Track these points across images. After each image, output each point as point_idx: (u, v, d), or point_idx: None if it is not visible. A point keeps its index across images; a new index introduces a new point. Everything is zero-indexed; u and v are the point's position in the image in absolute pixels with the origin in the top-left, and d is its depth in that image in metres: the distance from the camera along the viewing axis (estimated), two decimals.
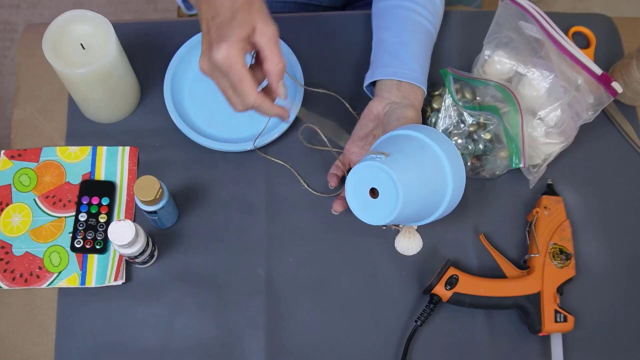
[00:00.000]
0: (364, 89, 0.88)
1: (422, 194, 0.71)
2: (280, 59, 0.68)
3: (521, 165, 0.85)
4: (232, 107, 0.71)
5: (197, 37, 0.91)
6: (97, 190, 0.86)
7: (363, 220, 0.73)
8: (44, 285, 0.82)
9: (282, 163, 0.89)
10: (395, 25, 0.86)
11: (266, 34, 0.67)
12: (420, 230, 0.87)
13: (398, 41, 0.85)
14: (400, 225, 0.80)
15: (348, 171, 0.81)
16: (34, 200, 0.86)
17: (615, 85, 0.86)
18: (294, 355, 0.82)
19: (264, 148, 0.89)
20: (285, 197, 0.88)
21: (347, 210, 0.88)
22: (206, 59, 0.67)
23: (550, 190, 0.88)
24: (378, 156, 0.70)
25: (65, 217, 0.86)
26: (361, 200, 0.72)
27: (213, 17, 0.67)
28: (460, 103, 0.86)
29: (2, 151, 0.88)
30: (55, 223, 0.85)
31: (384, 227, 0.82)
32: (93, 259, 0.84)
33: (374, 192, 0.71)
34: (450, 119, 0.86)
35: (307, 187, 0.88)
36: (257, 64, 0.71)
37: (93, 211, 0.85)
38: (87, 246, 0.83)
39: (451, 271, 0.82)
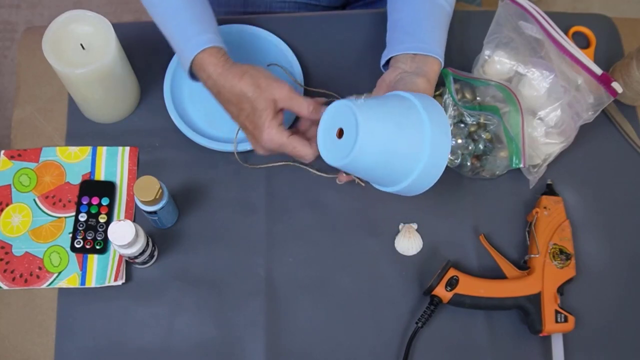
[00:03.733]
0: (381, 68, 0.87)
1: (390, 150, 0.67)
2: (306, 103, 0.75)
3: (521, 165, 0.85)
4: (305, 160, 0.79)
5: None
6: (97, 190, 0.86)
7: (324, 158, 0.71)
8: (44, 286, 0.82)
9: (283, 163, 0.88)
10: (409, 6, 0.85)
11: (284, 98, 0.75)
12: (420, 230, 0.87)
13: (412, 20, 0.84)
14: (359, 180, 0.77)
15: None
16: (34, 200, 0.86)
17: (615, 85, 0.86)
18: (294, 355, 0.82)
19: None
20: (285, 197, 0.88)
21: (348, 210, 0.88)
22: (260, 148, 0.78)
23: (549, 191, 0.88)
24: (357, 99, 0.69)
25: (65, 217, 0.85)
26: (328, 140, 0.71)
27: (239, 112, 0.77)
28: (460, 103, 0.86)
29: (2, 151, 0.88)
30: (55, 223, 0.85)
31: (345, 176, 0.79)
32: (93, 259, 0.84)
33: (341, 134, 0.69)
34: (450, 119, 0.86)
35: (318, 172, 0.87)
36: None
37: (93, 211, 0.85)
38: (87, 246, 0.83)
39: (451, 272, 0.82)
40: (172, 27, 0.80)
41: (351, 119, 0.67)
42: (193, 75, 0.80)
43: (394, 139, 0.67)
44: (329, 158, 0.71)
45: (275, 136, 0.75)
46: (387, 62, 0.85)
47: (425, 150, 0.68)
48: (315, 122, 0.75)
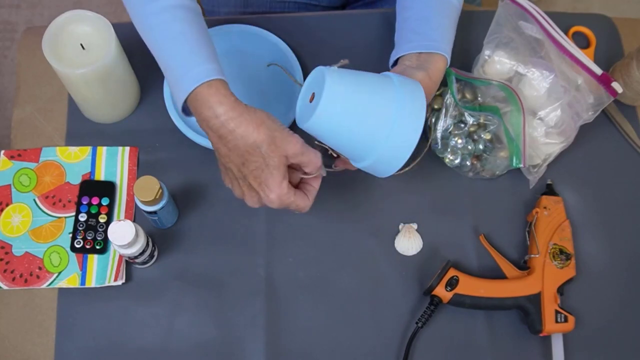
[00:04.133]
0: (389, 68, 0.87)
1: (353, 118, 0.68)
2: (315, 159, 0.71)
3: (521, 166, 0.85)
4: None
5: None
6: (97, 190, 0.86)
7: (297, 122, 0.72)
8: (44, 286, 0.82)
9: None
10: (418, 3, 0.85)
11: (297, 155, 0.69)
12: (420, 230, 0.87)
13: (420, 17, 0.83)
14: (332, 151, 0.77)
15: None
16: (34, 200, 0.86)
17: (615, 85, 0.86)
18: (294, 355, 0.82)
19: None
20: None
21: (348, 210, 0.88)
22: (256, 201, 0.72)
23: (549, 191, 0.88)
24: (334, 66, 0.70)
25: (65, 217, 0.85)
26: (303, 104, 0.73)
27: (244, 163, 0.69)
28: (461, 103, 0.86)
29: (2, 151, 0.88)
30: (55, 223, 0.85)
31: (317, 143, 0.78)
32: (93, 259, 0.84)
33: (313, 98, 0.71)
34: (450, 119, 0.86)
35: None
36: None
37: (93, 211, 0.85)
38: (87, 246, 0.83)
39: (451, 272, 0.82)
40: (170, 54, 0.71)
41: (322, 82, 0.68)
42: (185, 109, 0.73)
43: (358, 107, 0.68)
44: (299, 120, 0.72)
45: (284, 197, 0.70)
46: (395, 61, 0.85)
47: (392, 126, 0.68)
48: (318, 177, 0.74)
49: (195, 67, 0.69)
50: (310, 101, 0.71)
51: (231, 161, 0.70)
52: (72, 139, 0.90)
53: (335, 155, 0.79)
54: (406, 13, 0.86)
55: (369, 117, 0.69)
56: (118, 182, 0.87)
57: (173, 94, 0.72)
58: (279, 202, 0.70)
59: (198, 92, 0.68)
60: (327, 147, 0.77)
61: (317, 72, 0.72)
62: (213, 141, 0.71)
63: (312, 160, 0.70)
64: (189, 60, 0.69)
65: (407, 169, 0.87)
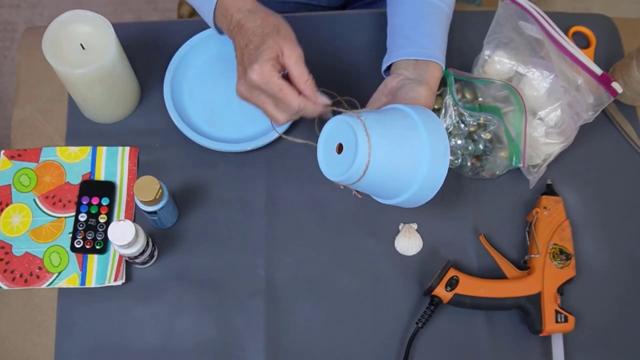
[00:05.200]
0: (382, 74, 0.87)
1: (388, 168, 0.69)
2: (307, 76, 0.73)
3: (521, 165, 0.84)
4: (275, 121, 0.76)
5: (197, 37, 0.91)
6: (97, 190, 0.86)
7: (323, 171, 0.72)
8: (44, 286, 0.82)
9: (308, 143, 0.85)
10: (408, 10, 0.85)
11: (293, 56, 0.72)
12: (420, 230, 0.87)
13: (412, 24, 0.84)
14: (357, 192, 0.77)
15: None
16: (34, 200, 0.86)
17: (615, 85, 0.86)
18: (294, 355, 0.82)
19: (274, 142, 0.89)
20: (285, 197, 0.88)
21: (348, 210, 0.88)
22: (242, 82, 0.74)
23: (549, 191, 0.88)
24: (358, 115, 0.70)
25: (65, 217, 0.85)
26: (328, 154, 0.72)
27: (246, 44, 0.74)
28: (461, 103, 0.86)
29: (2, 151, 0.88)
30: (55, 223, 0.85)
31: (342, 187, 0.76)
32: (93, 259, 0.84)
33: (341, 149, 0.70)
34: (450, 119, 0.86)
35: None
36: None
37: (93, 211, 0.85)
38: (87, 246, 0.83)
39: (451, 272, 0.82)
40: None
41: (351, 135, 0.68)
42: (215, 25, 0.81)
43: (392, 157, 0.68)
44: (329, 172, 0.72)
45: (266, 70, 0.71)
46: (389, 67, 0.85)
47: (424, 167, 0.69)
48: (305, 97, 0.74)
49: None
50: (338, 151, 0.70)
51: (237, 45, 0.76)
52: (72, 139, 0.90)
53: (359, 195, 0.78)
54: (397, 19, 0.87)
55: (402, 163, 0.69)
56: (118, 182, 0.87)
57: (202, 8, 0.80)
58: (259, 75, 0.71)
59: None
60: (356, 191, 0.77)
61: (340, 122, 0.70)
62: (234, 37, 0.77)
63: (303, 74, 0.73)
64: None
65: None
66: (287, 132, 0.89)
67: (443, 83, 0.87)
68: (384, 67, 0.85)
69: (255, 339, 0.82)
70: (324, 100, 0.74)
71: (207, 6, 0.80)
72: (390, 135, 0.69)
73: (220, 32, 0.84)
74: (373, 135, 0.67)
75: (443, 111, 0.86)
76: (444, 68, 0.83)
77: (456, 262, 0.86)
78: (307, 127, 0.91)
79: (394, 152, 0.68)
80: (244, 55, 0.75)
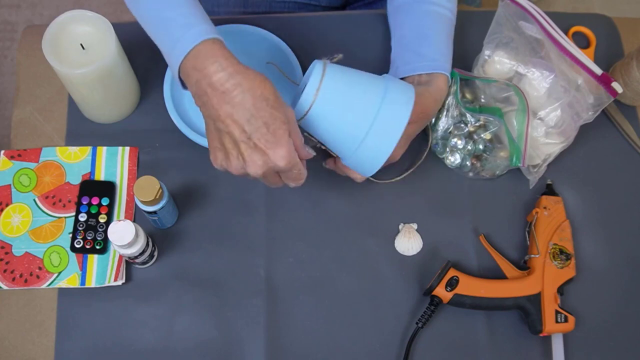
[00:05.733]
0: None
1: (346, 111, 0.71)
2: (302, 138, 0.70)
3: (520, 165, 0.85)
4: (273, 186, 0.73)
5: None
6: (97, 190, 0.86)
7: (289, 103, 0.74)
8: (44, 286, 0.82)
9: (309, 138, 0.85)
10: (412, 20, 0.85)
11: (292, 121, 0.69)
12: (420, 230, 0.87)
13: (417, 36, 0.84)
14: (321, 144, 0.78)
15: None
16: (34, 200, 0.86)
17: (615, 85, 0.86)
18: (294, 355, 0.82)
19: None
20: (285, 197, 0.88)
21: (348, 210, 0.88)
22: (261, 165, 0.67)
23: (549, 191, 0.88)
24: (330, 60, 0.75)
25: (65, 217, 0.86)
26: (299, 93, 0.76)
27: (249, 119, 0.65)
28: (462, 103, 0.86)
29: (2, 151, 0.88)
30: (55, 223, 0.85)
31: (319, 146, 0.78)
32: (93, 259, 0.84)
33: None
34: (451, 119, 0.86)
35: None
36: None
37: (93, 211, 0.85)
38: (87, 246, 0.83)
39: (451, 272, 0.82)
40: (167, 15, 0.69)
41: (318, 74, 0.72)
42: (181, 80, 0.71)
43: (348, 101, 0.71)
44: (292, 103, 0.75)
45: (293, 154, 0.67)
46: None
47: (372, 122, 0.71)
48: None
49: (197, 26, 0.67)
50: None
51: (234, 121, 0.66)
52: (72, 139, 0.90)
53: (324, 148, 0.79)
54: (401, 31, 0.86)
55: (357, 110, 0.71)
56: (118, 182, 0.87)
57: (169, 57, 0.69)
58: (288, 158, 0.66)
59: (201, 48, 0.66)
60: (320, 143, 0.78)
61: (313, 65, 0.74)
62: (212, 103, 0.66)
63: (299, 134, 0.69)
64: (188, 21, 0.68)
65: (408, 172, 0.87)
66: None
67: None
68: None
69: (255, 339, 0.82)
70: (311, 152, 0.73)
71: (180, 47, 0.68)
72: (354, 79, 0.72)
73: (184, 86, 0.72)
74: (329, 73, 0.71)
75: (444, 111, 0.86)
76: (450, 78, 0.84)
77: (456, 262, 0.86)
78: None
79: (352, 96, 0.71)
80: (252, 133, 0.66)
